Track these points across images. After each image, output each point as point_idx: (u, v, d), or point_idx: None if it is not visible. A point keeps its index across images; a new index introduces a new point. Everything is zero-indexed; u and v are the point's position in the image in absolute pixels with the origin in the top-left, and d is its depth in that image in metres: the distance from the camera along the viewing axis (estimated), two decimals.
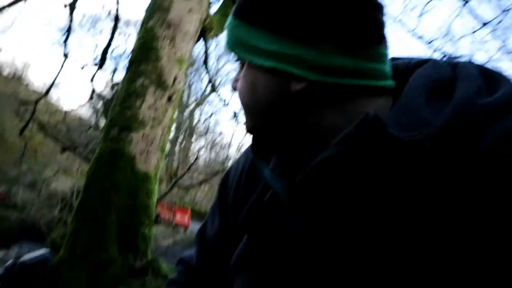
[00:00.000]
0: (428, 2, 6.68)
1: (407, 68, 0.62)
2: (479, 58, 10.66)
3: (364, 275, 0.50)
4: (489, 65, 0.60)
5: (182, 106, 16.46)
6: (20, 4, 6.22)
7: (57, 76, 8.07)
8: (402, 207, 0.49)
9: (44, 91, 8.36)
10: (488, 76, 0.55)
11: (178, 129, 16.32)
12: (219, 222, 0.80)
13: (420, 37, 6.66)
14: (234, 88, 0.66)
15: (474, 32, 6.65)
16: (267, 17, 0.58)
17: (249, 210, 0.70)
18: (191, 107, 16.80)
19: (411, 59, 0.64)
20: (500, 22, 6.22)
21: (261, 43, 0.59)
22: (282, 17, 0.57)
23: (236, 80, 0.66)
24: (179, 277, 0.87)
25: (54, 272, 3.23)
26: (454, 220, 0.45)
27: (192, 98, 16.90)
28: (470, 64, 0.59)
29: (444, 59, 0.64)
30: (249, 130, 0.66)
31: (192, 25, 3.99)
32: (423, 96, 0.53)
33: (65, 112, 9.75)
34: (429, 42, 6.80)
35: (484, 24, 6.41)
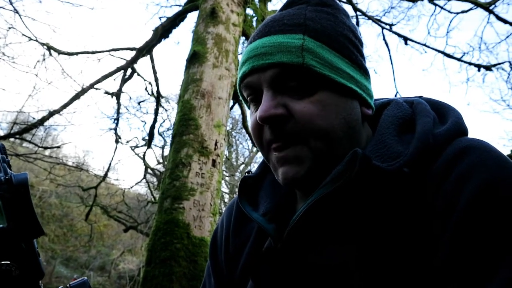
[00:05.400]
0: (453, 18, 6.59)
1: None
2: None
3: None
4: None
5: (233, 169, 16.75)
6: (75, 102, 6.84)
7: (112, 159, 8.60)
8: (389, 213, 0.60)
9: (102, 175, 8.91)
10: (437, 108, 0.69)
11: (232, 192, 16.48)
12: (214, 281, 0.83)
13: (450, 56, 6.46)
14: (276, 116, 0.62)
15: (507, 37, 6.45)
16: (347, 49, 0.65)
17: (246, 262, 0.73)
18: (241, 168, 17.03)
19: (374, 100, 0.76)
20: None
21: (345, 67, 0.64)
22: (356, 51, 0.67)
23: (279, 105, 0.63)
24: None
25: None
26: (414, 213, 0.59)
27: (241, 159, 17.19)
28: (421, 100, 0.71)
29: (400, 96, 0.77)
30: (318, 155, 0.63)
31: (224, 90, 4.23)
32: (393, 133, 0.64)
33: (123, 191, 10.24)
34: (460, 59, 6.56)
35: None
